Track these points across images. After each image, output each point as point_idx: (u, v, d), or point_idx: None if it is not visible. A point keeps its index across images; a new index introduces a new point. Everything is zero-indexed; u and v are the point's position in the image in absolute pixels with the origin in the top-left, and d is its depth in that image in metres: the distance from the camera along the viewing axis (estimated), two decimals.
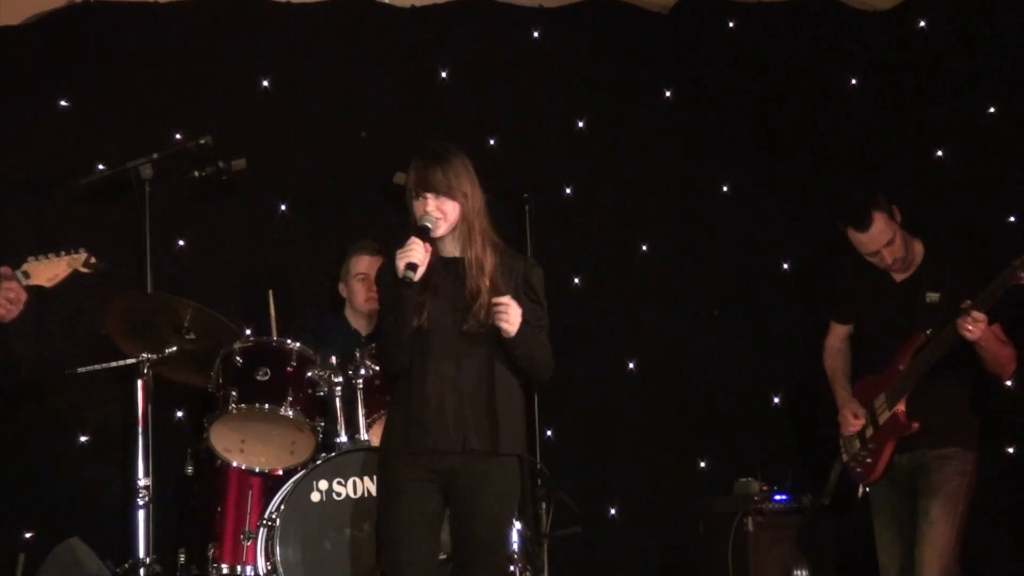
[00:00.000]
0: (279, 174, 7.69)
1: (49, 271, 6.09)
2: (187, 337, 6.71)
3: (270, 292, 7.09)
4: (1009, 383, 7.50)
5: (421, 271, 5.39)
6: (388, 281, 5.48)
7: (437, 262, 5.48)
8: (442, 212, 5.44)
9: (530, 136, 8.07)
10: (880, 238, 6.44)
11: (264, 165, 7.53)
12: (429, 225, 5.44)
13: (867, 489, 6.51)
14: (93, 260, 6.24)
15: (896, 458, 6.40)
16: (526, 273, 5.49)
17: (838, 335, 6.75)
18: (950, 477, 6.32)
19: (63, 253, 6.14)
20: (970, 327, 6.11)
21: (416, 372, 5.46)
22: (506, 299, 5.39)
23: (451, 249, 5.52)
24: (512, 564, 6.98)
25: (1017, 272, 6.08)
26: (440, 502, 5.45)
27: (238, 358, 6.71)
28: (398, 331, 5.44)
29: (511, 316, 5.37)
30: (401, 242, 5.44)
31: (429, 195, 5.43)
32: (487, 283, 5.42)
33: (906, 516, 6.41)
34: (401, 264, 5.34)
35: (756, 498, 7.36)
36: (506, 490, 5.43)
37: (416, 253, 5.36)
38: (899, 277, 6.51)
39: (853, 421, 6.49)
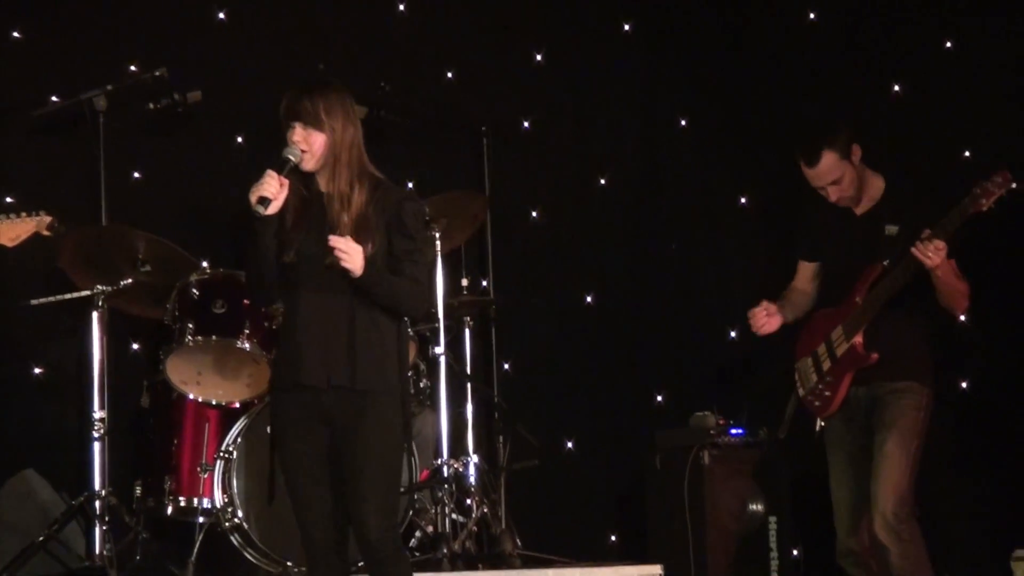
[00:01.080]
0: (235, 106, 7.62)
1: (13, 231, 6.02)
2: (142, 269, 6.68)
3: None
4: (963, 318, 7.54)
5: (277, 205, 5.25)
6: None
7: (313, 196, 5.35)
8: (308, 143, 5.30)
9: (488, 69, 8.03)
10: (826, 176, 6.43)
11: (220, 97, 7.46)
12: (291, 158, 5.29)
13: (824, 424, 6.53)
14: (56, 224, 6.17)
15: (852, 391, 6.41)
16: (398, 207, 5.28)
17: (804, 276, 6.70)
18: (906, 411, 6.33)
19: (31, 215, 6.06)
20: (930, 254, 6.12)
21: (288, 307, 5.35)
22: (341, 241, 5.19)
23: (323, 183, 5.35)
24: (468, 497, 7.04)
25: (978, 199, 6.09)
26: (327, 437, 5.28)
27: (194, 290, 6.68)
28: (257, 266, 5.33)
29: (349, 258, 5.19)
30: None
31: (297, 125, 5.30)
32: (347, 219, 5.26)
33: (859, 450, 6.43)
34: (252, 198, 5.22)
35: (712, 432, 7.38)
36: (385, 425, 5.24)
37: (268, 186, 5.23)
38: (859, 210, 6.51)
39: (763, 317, 6.49)
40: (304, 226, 5.31)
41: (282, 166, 5.29)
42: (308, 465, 5.25)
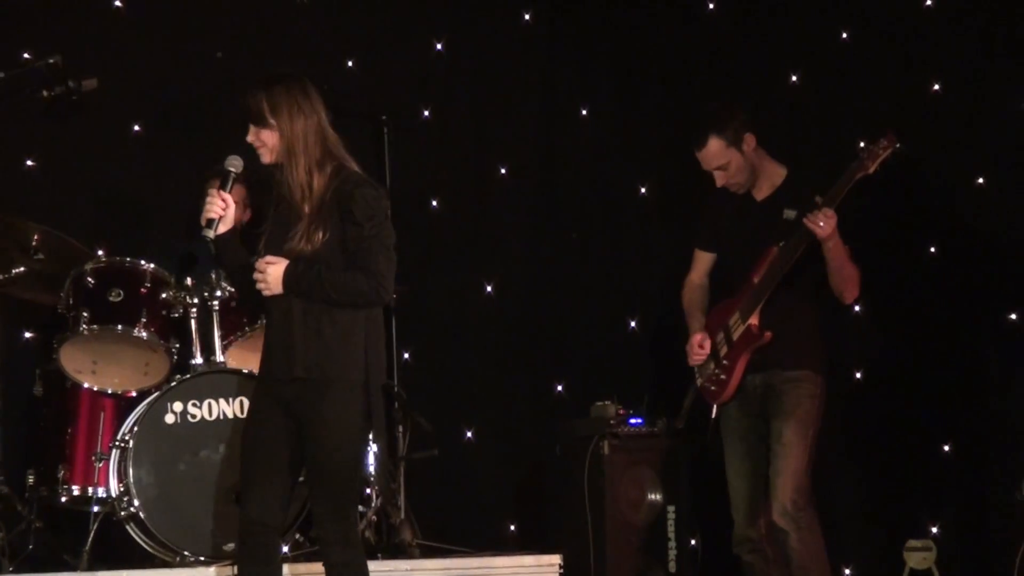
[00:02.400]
0: (132, 94, 7.56)
1: None
2: (35, 258, 6.61)
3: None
4: (856, 308, 7.60)
5: (227, 222, 5.40)
6: None
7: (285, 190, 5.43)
8: (261, 141, 5.38)
9: (388, 58, 8.00)
10: (711, 160, 6.47)
11: (116, 85, 7.38)
12: (231, 170, 5.43)
13: (719, 411, 6.56)
14: None
15: (748, 379, 6.45)
16: (350, 196, 5.33)
17: (701, 268, 6.75)
18: (802, 400, 6.38)
19: None
20: (821, 223, 6.17)
21: (265, 300, 5.43)
22: (260, 265, 5.34)
23: (286, 176, 5.42)
24: (367, 487, 7.01)
25: (864, 162, 6.16)
26: (290, 426, 5.39)
27: (89, 279, 6.61)
28: (229, 274, 5.51)
29: (266, 285, 5.33)
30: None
31: (250, 125, 5.38)
32: (307, 208, 5.33)
33: (755, 439, 6.47)
34: (202, 221, 5.36)
35: (612, 421, 7.39)
36: (340, 416, 5.33)
37: (212, 208, 5.37)
38: (759, 197, 6.55)
39: (698, 350, 6.54)
40: (275, 221, 5.40)
41: (224, 181, 5.31)
42: (262, 450, 5.37)
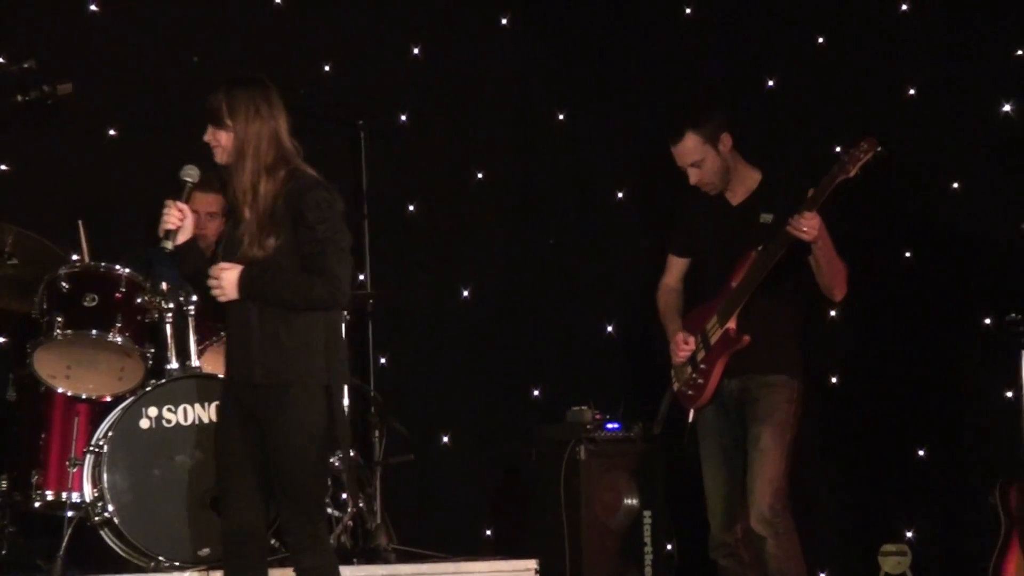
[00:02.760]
0: (107, 99, 7.54)
1: None
2: (9, 262, 6.59)
3: (80, 223, 6.94)
4: (833, 313, 7.62)
5: (186, 233, 5.41)
6: None
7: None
8: (217, 140, 5.39)
9: (365, 62, 8.00)
10: (685, 156, 6.47)
11: (92, 89, 7.37)
12: (187, 180, 5.44)
13: (696, 415, 6.57)
14: None
15: (725, 383, 6.45)
16: (300, 198, 5.32)
17: (674, 273, 6.75)
18: (779, 405, 6.38)
19: None
20: (804, 228, 6.17)
21: (223, 307, 5.44)
22: (215, 271, 5.34)
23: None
24: (343, 492, 7.00)
25: (845, 166, 6.16)
26: (257, 431, 5.39)
27: (64, 283, 6.58)
28: (192, 282, 5.55)
29: (221, 291, 5.34)
30: None
31: (208, 124, 5.40)
32: (249, 214, 5.32)
33: (732, 444, 6.47)
34: (160, 232, 5.38)
35: (588, 426, 7.40)
36: (300, 420, 5.31)
37: (169, 219, 5.38)
38: (735, 201, 6.55)
39: (683, 346, 6.52)
40: (232, 224, 5.42)
41: (180, 191, 5.34)
42: (233, 459, 5.38)
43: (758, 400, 6.39)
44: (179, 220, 5.40)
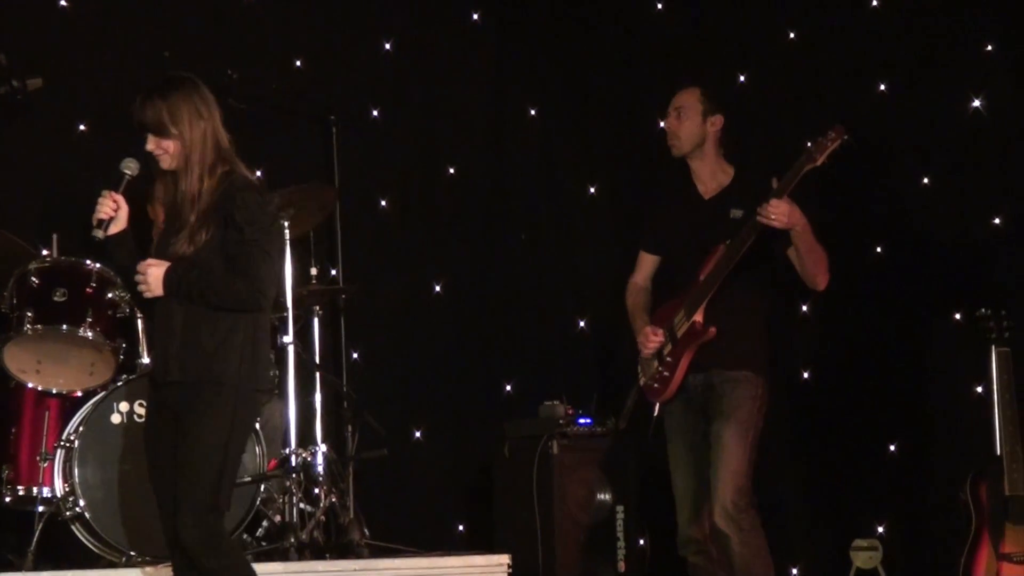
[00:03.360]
0: (77, 94, 7.52)
1: None
2: None
3: (54, 236, 6.91)
4: (804, 308, 7.63)
5: (119, 223, 5.39)
6: None
7: (179, 195, 5.40)
8: (163, 149, 5.36)
9: (337, 57, 8.00)
10: (676, 100, 6.53)
11: (62, 84, 7.36)
12: (126, 172, 5.42)
13: (661, 409, 6.57)
14: None
15: (690, 378, 6.45)
16: (231, 199, 5.31)
17: (644, 271, 6.75)
18: (743, 402, 6.38)
19: None
20: (773, 215, 6.18)
21: (148, 303, 5.41)
22: (141, 267, 5.34)
23: (180, 183, 5.41)
24: (316, 487, 7.00)
25: (812, 154, 6.18)
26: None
27: (34, 279, 6.57)
28: (120, 275, 5.56)
29: (147, 287, 5.33)
30: None
31: (148, 134, 5.36)
32: (193, 217, 5.32)
33: (699, 438, 6.47)
34: (93, 221, 5.37)
35: (561, 421, 7.39)
36: (207, 418, 5.28)
37: (103, 208, 5.36)
38: (707, 196, 6.56)
39: (652, 338, 6.53)
40: (170, 225, 5.39)
41: (118, 182, 5.36)
42: (155, 457, 5.37)
43: (722, 396, 6.39)
44: (112, 210, 5.37)
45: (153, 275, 5.30)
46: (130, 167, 5.43)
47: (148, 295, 5.33)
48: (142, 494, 6.26)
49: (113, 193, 5.40)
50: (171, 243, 5.33)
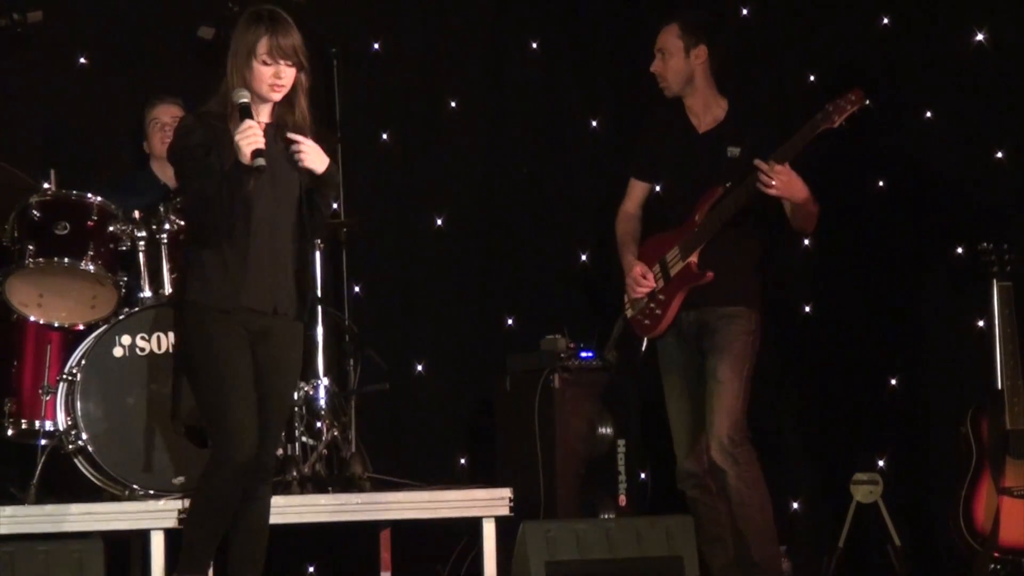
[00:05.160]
0: (77, 26, 7.49)
1: None
2: None
3: (52, 171, 6.89)
4: (807, 242, 7.63)
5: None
6: (196, 147, 5.44)
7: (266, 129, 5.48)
8: (288, 79, 5.46)
9: None
10: (658, 41, 6.52)
11: (61, 17, 7.32)
12: (247, 101, 5.42)
13: (650, 342, 6.58)
14: None
15: (683, 315, 6.46)
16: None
17: (635, 198, 6.75)
18: (737, 336, 6.40)
19: None
20: (772, 183, 6.15)
21: (235, 234, 5.45)
22: (306, 141, 5.48)
23: (268, 114, 5.52)
24: (318, 420, 7.01)
25: (830, 115, 6.14)
26: (251, 359, 5.51)
27: (35, 212, 6.55)
28: (222, 212, 5.41)
29: (308, 155, 5.49)
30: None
31: (283, 62, 5.43)
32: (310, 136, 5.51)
33: (693, 373, 6.50)
34: (248, 150, 5.31)
35: (562, 355, 7.39)
36: (300, 356, 5.64)
37: (260, 137, 5.36)
38: (702, 130, 6.54)
39: (642, 281, 6.52)
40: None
41: (245, 113, 5.39)
42: (246, 379, 5.45)
43: (716, 332, 6.41)
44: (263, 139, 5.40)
45: (315, 147, 5.46)
46: (245, 95, 5.43)
47: (308, 164, 5.45)
48: (145, 427, 6.34)
49: (248, 122, 5.36)
50: (273, 176, 5.43)
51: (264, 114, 5.52)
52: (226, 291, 5.45)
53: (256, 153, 5.32)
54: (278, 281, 5.51)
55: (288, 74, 5.44)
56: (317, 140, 5.55)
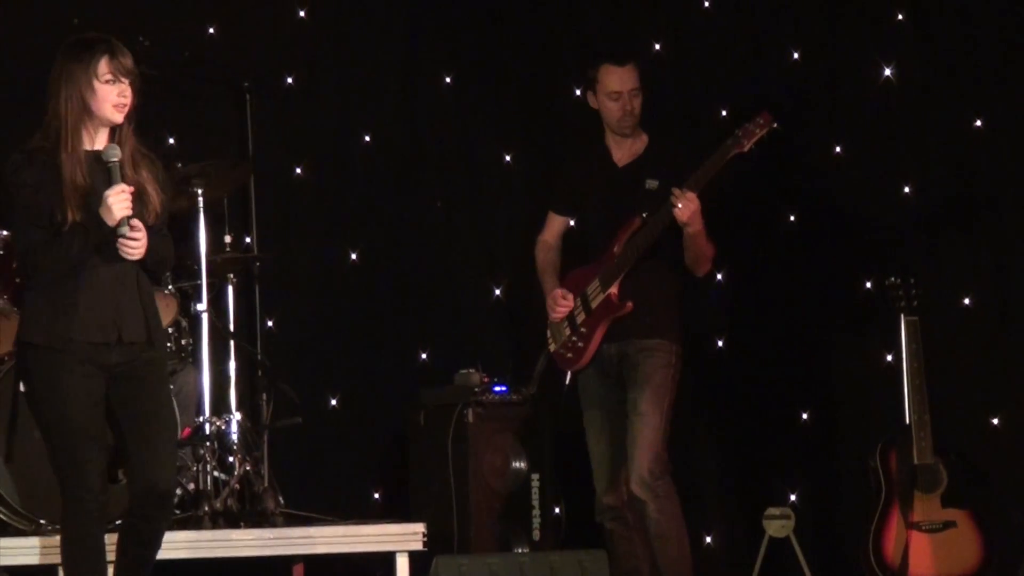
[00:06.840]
0: None
1: None
2: None
3: None
4: (719, 276, 7.67)
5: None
6: (26, 187, 5.26)
7: (88, 156, 5.31)
8: (129, 98, 5.34)
9: (250, 24, 7.92)
10: (631, 82, 6.49)
11: None
12: (114, 160, 5.28)
13: (572, 376, 6.60)
14: None
15: (604, 347, 6.48)
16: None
17: (554, 230, 6.78)
18: (657, 369, 6.42)
19: None
20: (680, 205, 6.21)
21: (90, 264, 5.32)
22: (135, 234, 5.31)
23: (102, 141, 5.36)
24: (230, 455, 6.98)
25: (740, 140, 6.20)
26: (100, 394, 5.35)
27: None
28: (64, 260, 5.25)
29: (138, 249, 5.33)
30: None
31: (125, 80, 5.32)
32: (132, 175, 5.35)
33: (614, 406, 6.52)
34: (119, 215, 5.20)
35: (476, 389, 7.40)
36: (165, 375, 5.53)
37: (124, 204, 5.22)
38: (621, 164, 6.57)
39: (562, 302, 6.55)
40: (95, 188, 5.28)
41: (112, 174, 5.23)
42: (90, 417, 5.27)
43: (637, 365, 6.43)
44: (131, 202, 5.26)
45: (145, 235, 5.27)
46: (115, 153, 5.28)
47: (134, 257, 5.26)
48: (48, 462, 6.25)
49: (122, 185, 5.24)
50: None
51: (101, 140, 5.34)
52: (56, 330, 5.26)
53: (122, 221, 5.21)
54: (121, 308, 5.31)
55: (129, 93, 5.30)
56: (149, 163, 5.39)
